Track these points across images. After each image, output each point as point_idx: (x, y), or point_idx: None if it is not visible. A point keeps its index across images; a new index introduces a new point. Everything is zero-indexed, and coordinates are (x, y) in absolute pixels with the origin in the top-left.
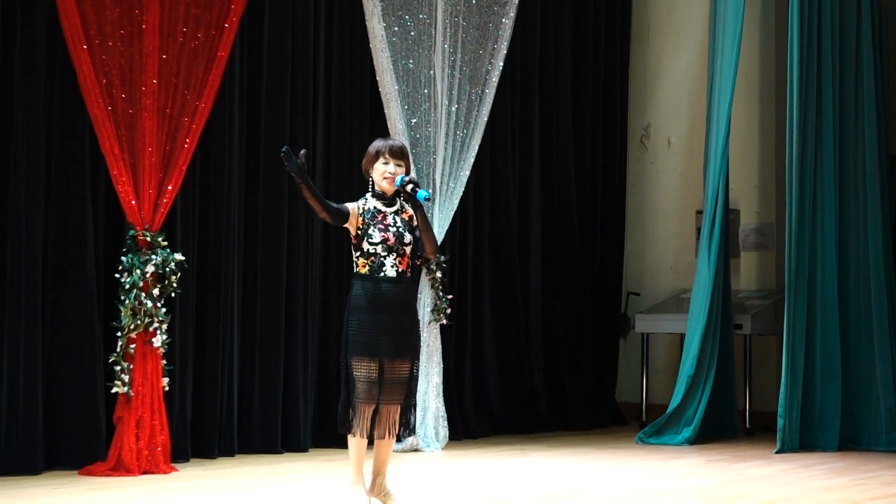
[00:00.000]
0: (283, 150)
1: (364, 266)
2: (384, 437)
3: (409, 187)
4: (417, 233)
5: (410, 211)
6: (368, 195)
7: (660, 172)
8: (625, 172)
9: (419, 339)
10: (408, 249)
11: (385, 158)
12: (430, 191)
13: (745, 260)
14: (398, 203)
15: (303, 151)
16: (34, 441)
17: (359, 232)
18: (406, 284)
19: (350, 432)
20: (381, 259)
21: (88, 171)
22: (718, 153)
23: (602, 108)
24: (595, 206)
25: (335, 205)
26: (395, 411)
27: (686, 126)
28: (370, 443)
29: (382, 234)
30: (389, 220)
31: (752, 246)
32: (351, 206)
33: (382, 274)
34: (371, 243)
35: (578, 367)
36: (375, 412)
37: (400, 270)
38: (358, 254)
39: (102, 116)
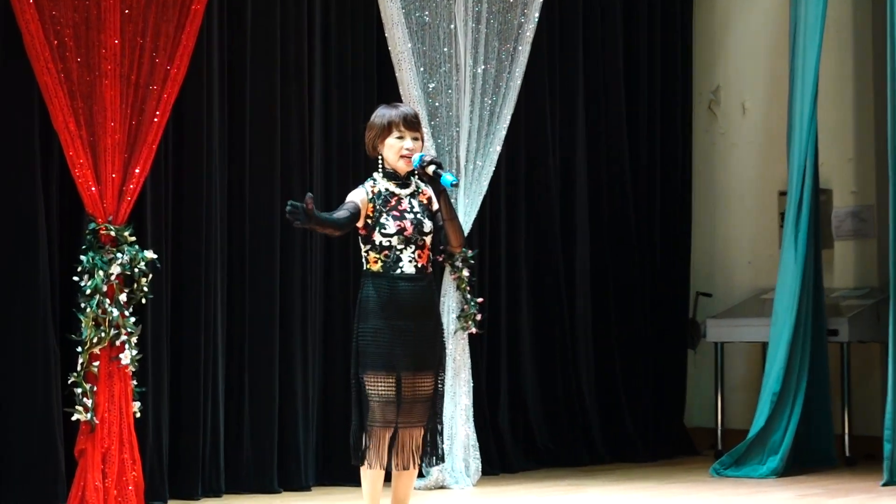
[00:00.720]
0: (288, 207)
1: (376, 262)
2: (406, 468)
3: (431, 169)
4: (440, 220)
5: (429, 192)
6: (378, 175)
7: (733, 145)
8: (690, 146)
9: (444, 348)
10: (428, 240)
11: (400, 131)
12: (456, 173)
13: (840, 251)
14: (413, 183)
15: (309, 196)
16: None
17: (369, 221)
18: (427, 282)
19: (364, 463)
20: (397, 253)
21: (38, 151)
22: (805, 120)
23: (661, 67)
24: (654, 187)
25: (344, 214)
26: (418, 436)
27: (764, 88)
28: (387, 476)
29: (398, 222)
30: (405, 204)
31: (847, 234)
32: (358, 194)
33: (399, 270)
34: (385, 234)
35: (638, 386)
36: (393, 438)
37: (419, 265)
38: (368, 247)
39: (54, 85)
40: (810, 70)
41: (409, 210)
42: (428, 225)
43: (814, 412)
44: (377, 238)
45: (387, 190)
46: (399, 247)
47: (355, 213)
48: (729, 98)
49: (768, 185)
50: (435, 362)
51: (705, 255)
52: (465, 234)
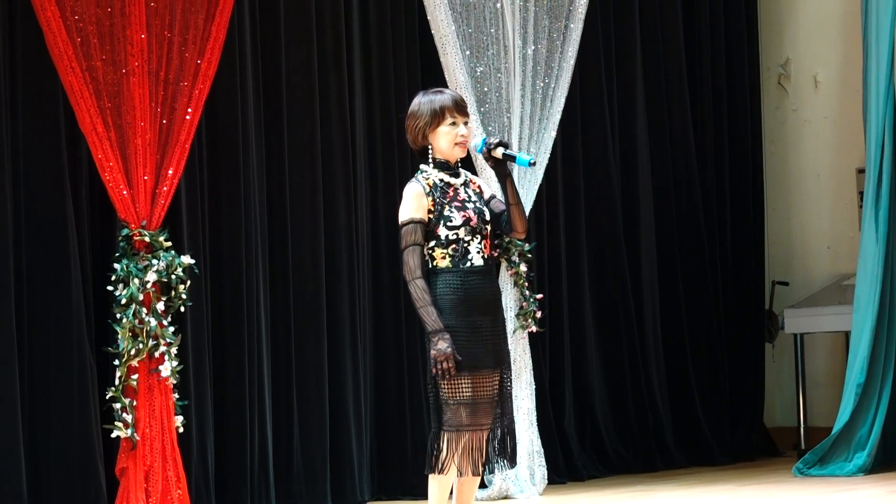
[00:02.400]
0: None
1: (444, 257)
2: (472, 474)
3: (500, 152)
4: (498, 206)
5: (478, 181)
6: (427, 167)
7: (806, 122)
8: (760, 124)
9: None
10: (489, 229)
11: (453, 117)
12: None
13: None
14: (463, 173)
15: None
16: (17, 502)
17: (431, 216)
18: (494, 273)
19: (442, 471)
20: (465, 245)
21: (66, 156)
22: (881, 91)
23: (725, 40)
24: (723, 169)
25: (420, 262)
26: (482, 439)
27: (837, 59)
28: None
29: (462, 213)
30: (462, 194)
31: None
32: (415, 195)
33: (469, 263)
34: (450, 227)
35: (713, 384)
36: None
37: (486, 256)
38: (432, 243)
39: (79, 85)
40: (885, 36)
41: (468, 200)
42: (487, 213)
43: None
44: (443, 232)
45: (441, 181)
46: (466, 238)
47: (425, 232)
48: (800, 71)
49: (845, 162)
50: (508, 357)
51: (781, 241)
52: None
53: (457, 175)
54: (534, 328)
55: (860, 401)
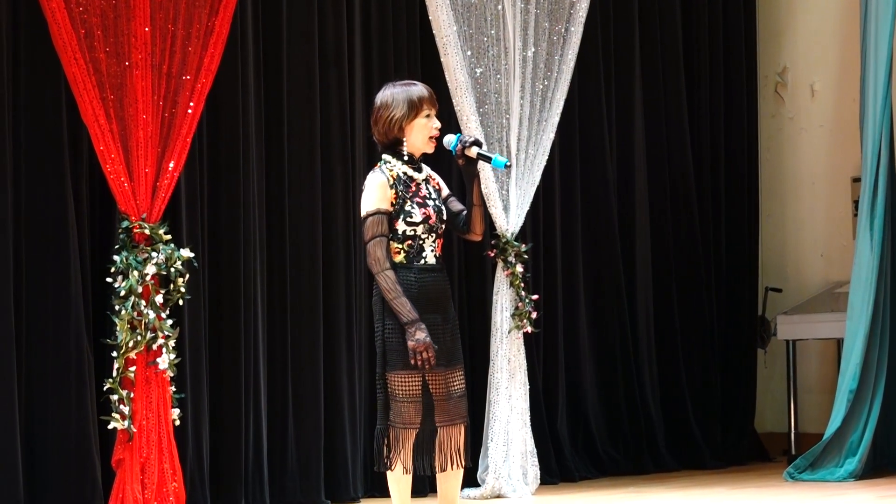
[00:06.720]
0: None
1: (398, 252)
2: (453, 468)
3: (475, 151)
4: (455, 206)
5: (437, 178)
6: (391, 158)
7: (802, 130)
8: (756, 132)
9: None
10: (444, 228)
11: (429, 109)
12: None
13: None
14: (425, 168)
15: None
16: (13, 492)
17: (392, 209)
18: (445, 272)
19: (390, 468)
20: (420, 242)
21: (67, 147)
22: (879, 100)
23: (723, 47)
24: (718, 176)
25: (387, 254)
26: (457, 434)
27: (834, 67)
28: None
29: (423, 210)
30: (424, 190)
31: None
32: (381, 184)
33: (423, 261)
34: (410, 223)
35: (705, 388)
36: (433, 439)
37: (437, 255)
38: (389, 236)
39: (82, 77)
40: (883, 46)
41: (428, 196)
42: (445, 212)
43: (894, 411)
44: (401, 227)
45: (405, 174)
46: (423, 235)
47: (390, 223)
48: (797, 79)
49: (841, 171)
50: (462, 355)
51: (775, 248)
52: (519, 227)
53: (419, 169)
54: (529, 329)
55: (852, 407)
